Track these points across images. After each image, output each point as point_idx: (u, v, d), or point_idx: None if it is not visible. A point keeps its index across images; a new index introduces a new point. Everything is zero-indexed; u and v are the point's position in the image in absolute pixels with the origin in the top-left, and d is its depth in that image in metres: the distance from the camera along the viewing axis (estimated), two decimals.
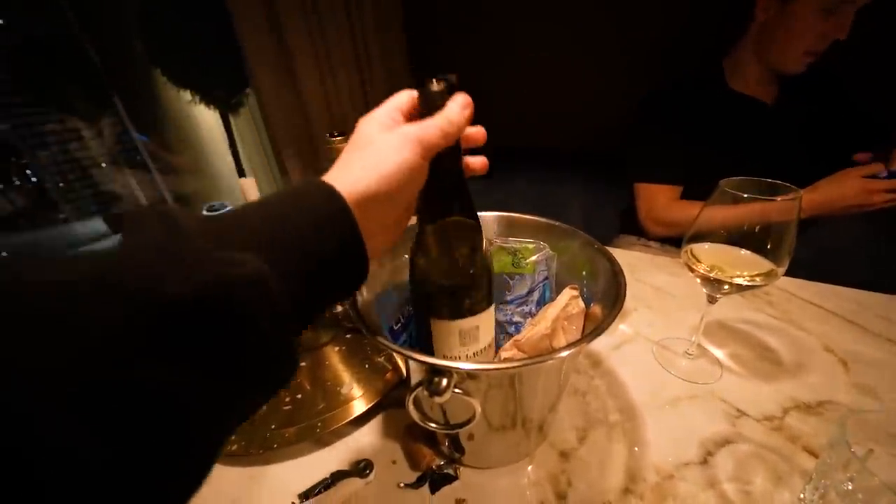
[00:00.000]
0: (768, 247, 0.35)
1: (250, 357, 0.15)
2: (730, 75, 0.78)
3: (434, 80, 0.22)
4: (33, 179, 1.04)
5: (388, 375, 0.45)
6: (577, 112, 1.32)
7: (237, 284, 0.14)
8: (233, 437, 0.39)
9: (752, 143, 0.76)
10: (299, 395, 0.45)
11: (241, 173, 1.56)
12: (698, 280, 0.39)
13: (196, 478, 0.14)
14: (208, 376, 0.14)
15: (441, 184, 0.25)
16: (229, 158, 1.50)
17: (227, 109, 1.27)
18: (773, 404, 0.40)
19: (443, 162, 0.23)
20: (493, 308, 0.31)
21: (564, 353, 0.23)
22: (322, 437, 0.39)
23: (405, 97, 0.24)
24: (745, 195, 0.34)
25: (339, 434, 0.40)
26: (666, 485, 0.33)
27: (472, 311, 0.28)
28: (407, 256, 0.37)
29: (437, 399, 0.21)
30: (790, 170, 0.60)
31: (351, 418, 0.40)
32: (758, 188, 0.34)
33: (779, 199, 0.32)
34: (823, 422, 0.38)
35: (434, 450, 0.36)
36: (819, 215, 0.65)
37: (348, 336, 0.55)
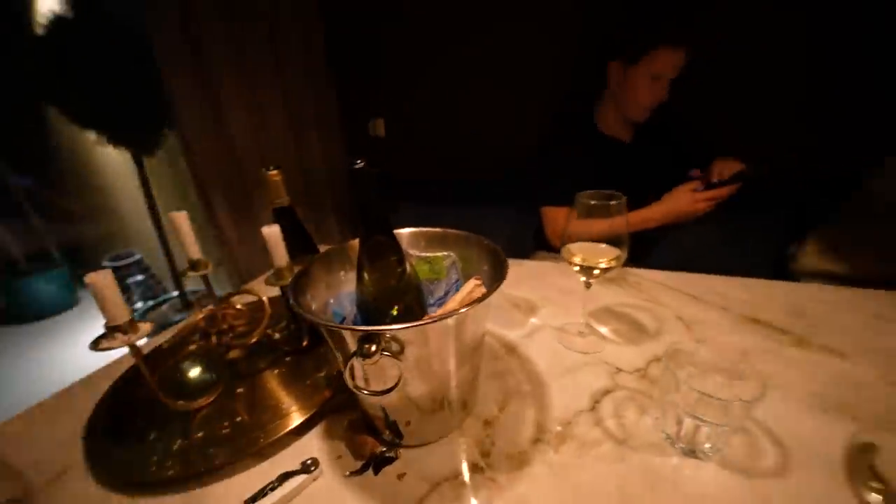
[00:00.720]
0: (615, 240, 0.49)
1: None
2: (597, 119, 1.01)
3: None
4: None
5: (327, 392, 0.47)
6: (498, 145, 1.51)
7: None
8: (167, 463, 0.38)
9: (616, 174, 0.97)
10: (238, 419, 0.46)
11: (156, 215, 1.45)
12: (576, 269, 0.51)
13: None
14: None
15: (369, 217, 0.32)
16: (141, 201, 1.39)
17: (141, 150, 1.20)
18: (641, 360, 0.51)
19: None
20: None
21: (463, 310, 0.30)
22: (264, 450, 0.40)
23: None
24: (593, 202, 0.47)
25: (283, 444, 0.41)
26: (565, 430, 0.41)
27: None
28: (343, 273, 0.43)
29: (369, 361, 0.27)
30: (646, 193, 0.80)
31: (292, 427, 0.42)
32: (601, 197, 0.48)
33: (612, 203, 0.46)
34: None
35: (376, 438, 0.40)
36: (669, 222, 0.86)
37: (288, 359, 0.56)
